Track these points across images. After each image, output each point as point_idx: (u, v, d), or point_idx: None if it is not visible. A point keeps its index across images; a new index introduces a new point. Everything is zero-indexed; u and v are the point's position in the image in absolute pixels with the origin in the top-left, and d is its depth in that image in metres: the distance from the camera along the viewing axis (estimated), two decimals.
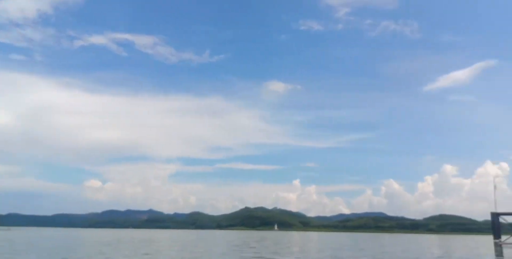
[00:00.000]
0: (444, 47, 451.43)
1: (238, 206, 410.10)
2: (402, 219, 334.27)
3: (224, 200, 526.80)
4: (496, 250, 36.68)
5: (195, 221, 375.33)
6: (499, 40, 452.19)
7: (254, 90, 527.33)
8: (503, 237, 50.77)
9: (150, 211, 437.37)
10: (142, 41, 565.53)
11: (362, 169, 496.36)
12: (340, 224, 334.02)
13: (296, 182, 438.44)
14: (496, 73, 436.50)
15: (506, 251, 35.48)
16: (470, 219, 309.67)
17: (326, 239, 73.81)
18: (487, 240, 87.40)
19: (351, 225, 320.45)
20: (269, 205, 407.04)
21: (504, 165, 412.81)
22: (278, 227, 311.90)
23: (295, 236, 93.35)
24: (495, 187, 47.78)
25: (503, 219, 49.72)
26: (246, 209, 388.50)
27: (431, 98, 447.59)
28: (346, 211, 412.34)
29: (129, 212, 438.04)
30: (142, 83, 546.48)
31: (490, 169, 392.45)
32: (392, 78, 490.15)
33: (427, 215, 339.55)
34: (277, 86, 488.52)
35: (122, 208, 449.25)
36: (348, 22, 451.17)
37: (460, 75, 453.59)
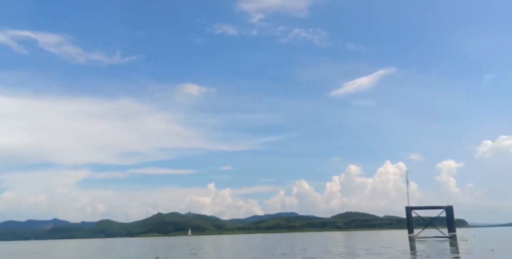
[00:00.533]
0: (350, 55, 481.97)
1: (151, 212, 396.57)
2: (312, 218, 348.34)
3: (137, 206, 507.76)
4: (410, 245, 38.24)
5: (104, 229, 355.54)
6: (398, 49, 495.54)
7: (168, 92, 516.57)
8: (416, 231, 53.04)
9: (55, 221, 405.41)
10: (46, 39, 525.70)
11: (275, 171, 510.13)
12: (254, 226, 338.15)
13: (211, 185, 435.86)
14: (395, 80, 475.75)
15: (418, 245, 37.39)
16: (372, 216, 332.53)
17: (236, 242, 73.22)
18: (398, 234, 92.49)
19: (264, 226, 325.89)
20: (183, 210, 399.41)
21: (402, 164, 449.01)
22: (192, 231, 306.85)
23: (202, 241, 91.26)
24: (407, 181, 48.76)
25: (415, 213, 51.91)
26: (159, 215, 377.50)
27: (337, 102, 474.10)
28: (260, 212, 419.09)
29: (30, 223, 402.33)
30: (46, 84, 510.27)
31: (390, 168, 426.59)
32: (303, 84, 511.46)
33: (335, 213, 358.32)
34: (192, 89, 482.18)
35: (22, 218, 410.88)
36: (262, 28, 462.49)
37: (363, 81, 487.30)
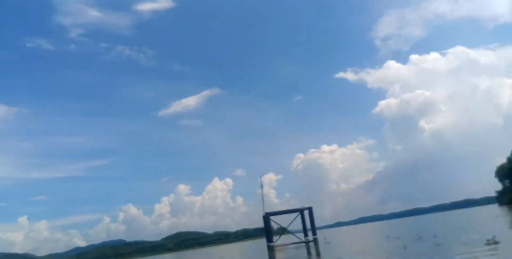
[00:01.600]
0: (176, 75, 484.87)
1: None
2: (142, 242, 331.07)
3: None
4: (269, 255, 33.91)
5: None
6: (221, 71, 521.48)
7: None
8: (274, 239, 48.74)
9: None
10: None
11: (99, 197, 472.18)
12: None
13: (23, 219, 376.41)
14: (219, 100, 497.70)
15: (279, 255, 33.73)
16: (202, 233, 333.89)
17: None
18: (255, 245, 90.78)
19: (88, 258, 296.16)
20: None
21: (228, 180, 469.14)
22: None
23: None
24: (262, 187, 42.01)
25: (273, 222, 46.98)
26: None
27: (165, 123, 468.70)
28: (82, 243, 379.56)
29: None
30: None
31: (217, 185, 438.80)
32: (129, 104, 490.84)
33: (164, 235, 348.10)
34: None
35: None
36: (81, 43, 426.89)
37: (190, 101, 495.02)
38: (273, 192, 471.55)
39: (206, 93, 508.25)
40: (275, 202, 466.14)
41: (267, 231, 42.91)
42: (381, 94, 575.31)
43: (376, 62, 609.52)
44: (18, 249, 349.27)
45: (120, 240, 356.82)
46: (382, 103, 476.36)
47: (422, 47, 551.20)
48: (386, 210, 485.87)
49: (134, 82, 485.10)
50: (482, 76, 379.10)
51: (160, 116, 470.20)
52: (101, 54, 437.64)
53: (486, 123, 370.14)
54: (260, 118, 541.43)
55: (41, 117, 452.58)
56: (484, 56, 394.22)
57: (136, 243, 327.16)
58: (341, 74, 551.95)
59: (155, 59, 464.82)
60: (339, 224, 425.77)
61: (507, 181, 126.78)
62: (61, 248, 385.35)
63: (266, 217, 41.19)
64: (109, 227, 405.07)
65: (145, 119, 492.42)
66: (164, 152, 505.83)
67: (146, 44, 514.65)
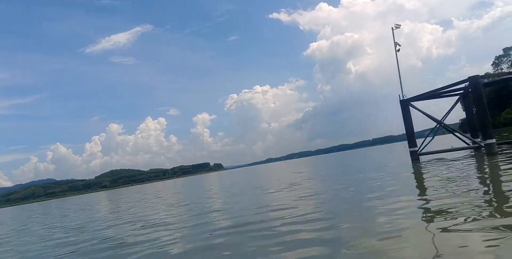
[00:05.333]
0: (105, 9, 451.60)
1: None
2: (73, 181, 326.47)
3: None
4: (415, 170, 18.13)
5: None
6: (153, 6, 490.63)
7: None
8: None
9: None
10: None
11: (24, 137, 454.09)
12: (2, 199, 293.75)
13: None
14: (152, 37, 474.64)
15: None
16: (137, 170, 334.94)
17: None
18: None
19: (15, 198, 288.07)
20: None
21: (162, 119, 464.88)
22: None
23: None
24: (396, 46, 17.32)
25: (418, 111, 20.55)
26: None
27: (94, 60, 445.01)
28: (8, 183, 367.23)
29: None
30: None
31: (151, 124, 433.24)
32: (54, 39, 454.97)
33: (98, 174, 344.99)
34: None
35: None
36: None
37: (121, 38, 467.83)
38: (207, 131, 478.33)
39: (138, 29, 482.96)
40: (208, 141, 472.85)
41: (408, 130, 23.85)
42: (312, 36, 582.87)
43: (309, 3, 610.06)
44: None
45: (49, 179, 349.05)
46: (314, 45, 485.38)
47: None
48: (314, 147, 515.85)
49: (60, 16, 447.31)
50: (406, 20, 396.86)
51: (88, 53, 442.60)
52: None
53: (407, 66, 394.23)
54: (194, 57, 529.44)
55: None
56: (409, 1, 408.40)
57: (67, 182, 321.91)
58: (274, 15, 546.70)
59: None
60: (269, 160, 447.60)
61: None
62: None
63: (404, 104, 23.18)
64: (37, 167, 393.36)
65: (72, 55, 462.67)
66: (94, 90, 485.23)
67: None
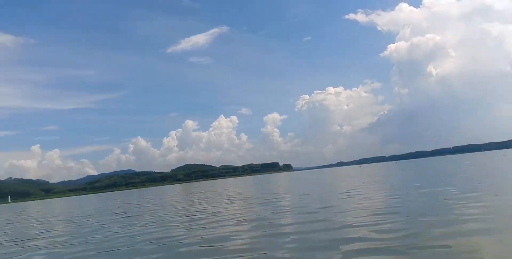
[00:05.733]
0: (186, 12, 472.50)
1: None
2: (151, 173, 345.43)
3: None
4: None
5: None
6: (230, 8, 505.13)
7: None
8: None
9: None
10: None
11: (110, 129, 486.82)
12: (88, 186, 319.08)
13: (35, 147, 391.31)
14: (228, 38, 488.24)
15: None
16: (210, 166, 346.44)
17: (56, 205, 66.31)
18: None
19: (100, 186, 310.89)
20: (2, 176, 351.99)
21: (234, 118, 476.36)
22: (12, 198, 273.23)
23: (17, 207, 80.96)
24: None
25: None
26: None
27: (174, 59, 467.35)
28: (94, 172, 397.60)
29: None
30: None
31: (223, 122, 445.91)
32: (138, 38, 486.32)
33: (174, 167, 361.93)
34: (3, 39, 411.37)
35: None
36: None
37: (199, 39, 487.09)
38: (277, 131, 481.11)
39: (215, 30, 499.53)
40: (278, 141, 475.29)
41: None
42: (391, 37, 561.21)
43: (388, 4, 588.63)
44: (32, 176, 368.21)
45: (130, 170, 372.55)
46: (392, 47, 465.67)
47: None
48: (388, 152, 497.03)
49: (145, 17, 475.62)
50: (495, 22, 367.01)
51: (169, 53, 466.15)
52: None
53: (494, 70, 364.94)
54: (268, 57, 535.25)
55: (49, 48, 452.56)
56: (498, 1, 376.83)
57: (145, 173, 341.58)
58: (351, 16, 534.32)
59: None
60: (341, 164, 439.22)
61: None
62: (73, 176, 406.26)
63: None
64: (119, 158, 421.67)
65: (154, 54, 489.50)
66: (173, 88, 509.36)
67: None
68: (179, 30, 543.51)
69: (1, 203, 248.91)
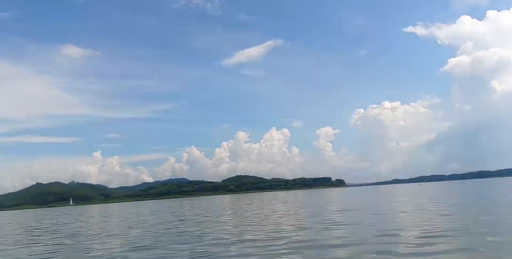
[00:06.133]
0: (240, 25, 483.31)
1: (29, 183, 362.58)
2: (203, 182, 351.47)
3: (10, 177, 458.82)
4: None
5: None
6: (285, 21, 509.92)
7: (46, 54, 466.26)
8: None
9: None
10: None
11: (166, 138, 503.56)
12: (143, 193, 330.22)
13: (97, 154, 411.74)
14: (282, 51, 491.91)
15: None
16: (261, 178, 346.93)
17: (112, 210, 68.82)
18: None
19: (154, 193, 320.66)
20: (66, 180, 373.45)
21: (286, 131, 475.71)
22: (74, 201, 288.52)
23: (74, 211, 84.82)
24: None
25: None
26: (38, 185, 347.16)
27: (227, 71, 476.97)
28: (150, 179, 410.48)
29: None
30: None
31: (275, 134, 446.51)
32: (195, 52, 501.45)
33: (225, 177, 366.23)
34: (72, 51, 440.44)
35: None
36: None
37: (253, 52, 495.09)
38: (330, 145, 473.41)
39: (269, 43, 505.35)
40: (330, 155, 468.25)
41: None
42: (451, 51, 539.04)
43: (449, 16, 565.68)
44: (92, 180, 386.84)
45: (183, 179, 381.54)
46: (453, 61, 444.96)
47: (502, 2, 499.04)
48: (447, 171, 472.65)
49: (200, 31, 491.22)
50: None
51: (224, 65, 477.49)
52: (171, 2, 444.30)
53: None
54: (322, 70, 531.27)
55: (113, 60, 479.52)
56: None
57: (198, 183, 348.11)
58: (409, 28, 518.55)
59: (221, 9, 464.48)
60: (396, 181, 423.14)
61: None
62: (130, 182, 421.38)
63: None
64: (174, 166, 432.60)
65: (209, 67, 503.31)
66: (226, 99, 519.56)
67: None
68: (234, 43, 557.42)
69: (64, 206, 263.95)
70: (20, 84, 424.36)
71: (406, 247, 11.20)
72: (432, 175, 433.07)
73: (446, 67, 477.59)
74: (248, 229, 19.16)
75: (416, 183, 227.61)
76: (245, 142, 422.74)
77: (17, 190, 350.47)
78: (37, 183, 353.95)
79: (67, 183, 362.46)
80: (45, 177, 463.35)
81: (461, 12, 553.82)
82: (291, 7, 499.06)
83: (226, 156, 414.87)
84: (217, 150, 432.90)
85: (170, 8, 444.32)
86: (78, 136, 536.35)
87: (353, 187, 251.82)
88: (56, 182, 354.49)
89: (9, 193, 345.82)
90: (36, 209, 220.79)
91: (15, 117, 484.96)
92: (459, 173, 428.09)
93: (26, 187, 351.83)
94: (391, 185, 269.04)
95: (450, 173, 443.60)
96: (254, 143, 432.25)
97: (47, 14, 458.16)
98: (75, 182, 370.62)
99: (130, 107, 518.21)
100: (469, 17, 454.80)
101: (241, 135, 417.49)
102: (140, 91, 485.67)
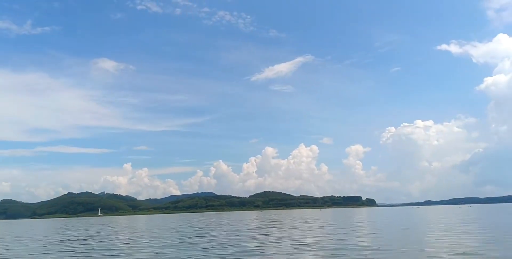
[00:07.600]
0: (271, 41, 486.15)
1: (61, 192, 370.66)
2: (230, 197, 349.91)
3: (45, 186, 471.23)
4: None
5: (6, 210, 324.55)
6: (315, 37, 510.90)
7: (82, 67, 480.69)
8: None
9: None
10: None
11: (194, 152, 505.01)
12: (171, 206, 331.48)
13: (127, 165, 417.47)
14: (312, 67, 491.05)
15: None
16: (289, 195, 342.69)
17: (134, 221, 67.94)
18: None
19: (181, 206, 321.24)
20: (96, 190, 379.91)
21: (314, 147, 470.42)
22: (103, 212, 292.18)
23: (100, 221, 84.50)
24: None
25: None
26: (69, 195, 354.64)
27: (257, 87, 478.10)
28: (177, 192, 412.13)
29: None
30: None
31: (303, 151, 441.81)
32: (225, 67, 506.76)
33: (251, 193, 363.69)
34: (107, 65, 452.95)
35: None
36: (186, 7, 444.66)
37: (283, 67, 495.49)
38: (359, 163, 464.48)
39: (299, 59, 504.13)
40: (360, 174, 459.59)
41: None
42: (487, 70, 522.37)
43: (485, 35, 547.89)
44: (122, 192, 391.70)
45: (210, 193, 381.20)
46: (489, 80, 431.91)
47: None
48: (483, 194, 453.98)
49: (231, 47, 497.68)
50: None
51: (253, 81, 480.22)
52: (203, 18, 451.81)
53: None
54: (352, 87, 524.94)
55: (145, 74, 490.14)
56: None
57: (225, 197, 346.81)
58: (443, 46, 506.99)
59: (253, 25, 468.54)
60: (428, 203, 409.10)
61: None
62: (158, 195, 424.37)
63: None
64: (201, 180, 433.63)
65: (238, 82, 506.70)
66: (255, 114, 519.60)
67: (246, 10, 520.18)
68: (264, 59, 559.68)
69: (92, 216, 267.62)
70: (58, 96, 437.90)
71: None
72: (466, 197, 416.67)
73: (482, 86, 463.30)
74: None
75: (456, 205, 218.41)
76: (273, 158, 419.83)
77: (50, 198, 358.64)
78: (68, 193, 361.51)
79: (97, 193, 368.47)
80: (77, 187, 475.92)
81: (498, 31, 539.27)
82: (322, 23, 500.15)
83: (253, 172, 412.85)
84: (245, 165, 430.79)
85: (202, 24, 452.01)
86: (109, 148, 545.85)
87: (385, 207, 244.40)
88: (86, 192, 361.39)
89: (42, 201, 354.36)
90: (66, 218, 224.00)
91: (52, 128, 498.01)
92: (495, 196, 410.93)
93: (58, 196, 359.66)
94: (424, 206, 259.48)
95: (485, 196, 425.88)
96: (282, 159, 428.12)
97: (85, 29, 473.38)
98: (105, 193, 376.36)
99: (160, 120, 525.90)
100: (506, 35, 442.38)
101: (269, 150, 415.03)
102: (171, 104, 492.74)
